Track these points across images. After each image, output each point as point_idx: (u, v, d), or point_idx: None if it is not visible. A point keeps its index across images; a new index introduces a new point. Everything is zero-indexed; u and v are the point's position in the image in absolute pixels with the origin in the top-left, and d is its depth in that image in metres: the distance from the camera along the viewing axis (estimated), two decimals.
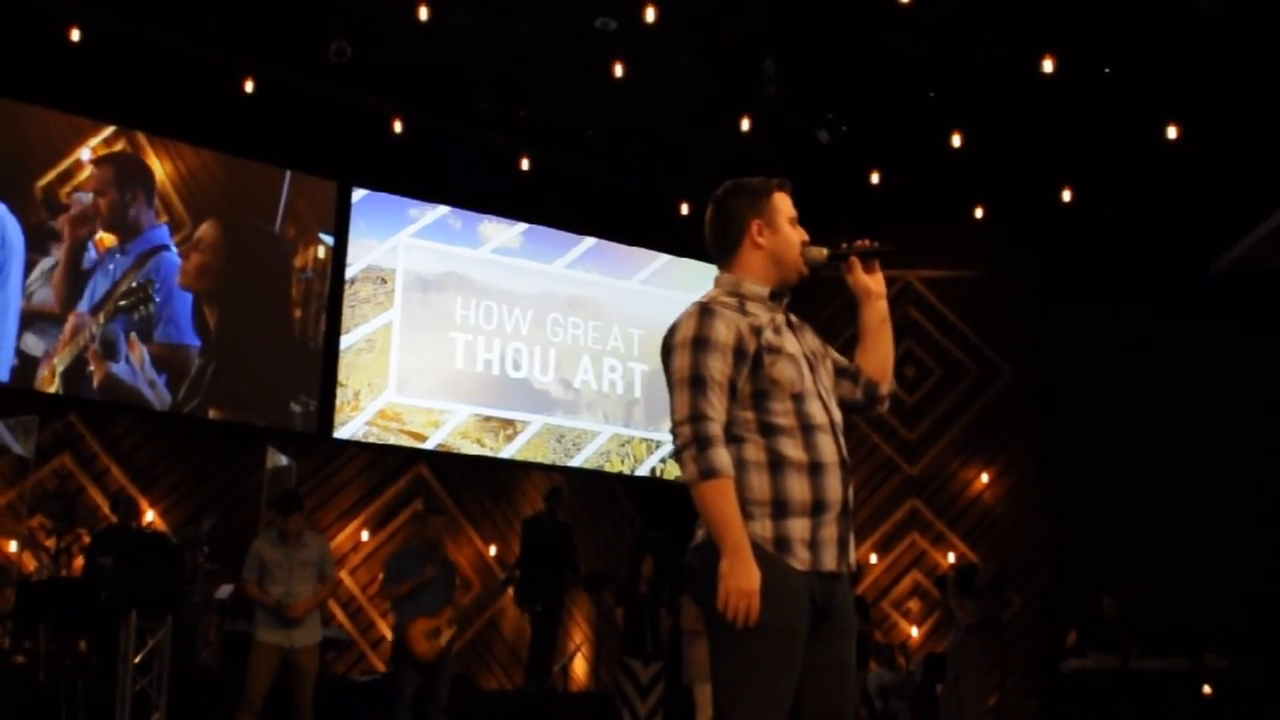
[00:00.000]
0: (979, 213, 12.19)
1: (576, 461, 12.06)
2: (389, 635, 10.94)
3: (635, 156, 11.88)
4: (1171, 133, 10.34)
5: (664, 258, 12.79)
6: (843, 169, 11.51)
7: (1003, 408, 12.79)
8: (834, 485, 2.96)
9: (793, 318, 3.15)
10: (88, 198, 10.23)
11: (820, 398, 3.02)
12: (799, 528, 2.92)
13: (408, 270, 11.60)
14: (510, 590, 10.49)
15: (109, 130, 10.41)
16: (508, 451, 11.78)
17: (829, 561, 2.95)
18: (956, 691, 9.71)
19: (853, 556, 3.05)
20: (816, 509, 2.93)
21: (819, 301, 12.86)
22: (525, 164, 11.57)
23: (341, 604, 10.75)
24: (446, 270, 11.84)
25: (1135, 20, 9.42)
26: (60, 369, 9.90)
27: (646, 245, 12.71)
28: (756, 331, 2.97)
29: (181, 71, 10.25)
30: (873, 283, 3.19)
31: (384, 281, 11.45)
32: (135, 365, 10.19)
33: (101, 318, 10.11)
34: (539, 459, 11.92)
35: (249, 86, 10.28)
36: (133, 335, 10.20)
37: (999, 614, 10.24)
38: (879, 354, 3.21)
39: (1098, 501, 11.95)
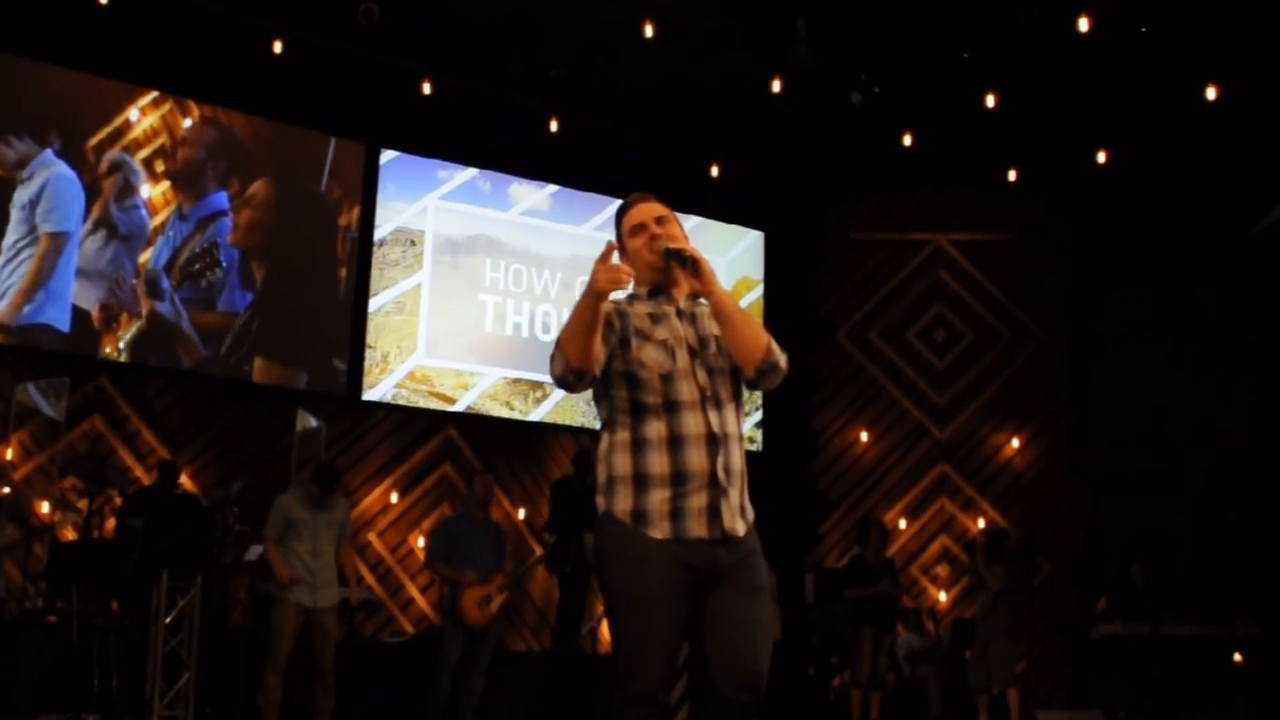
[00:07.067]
0: (1012, 175, 12.05)
1: None
2: (418, 597, 11.00)
3: (666, 118, 11.79)
4: (1211, 93, 10.19)
5: (694, 220, 12.66)
6: (875, 130, 11.40)
7: (1034, 372, 12.69)
8: (696, 457, 3.25)
9: (685, 306, 3.48)
10: (139, 159, 10.28)
11: (696, 378, 3.32)
12: (658, 499, 3.24)
13: (437, 233, 11.58)
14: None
15: (149, 96, 10.41)
16: (537, 414, 11.79)
17: (695, 529, 3.24)
18: (985, 657, 9.70)
19: (737, 522, 3.29)
20: (676, 480, 3.25)
21: (851, 263, 12.87)
22: (554, 125, 11.50)
23: (370, 566, 10.78)
24: (476, 233, 11.81)
25: None
26: (126, 337, 10.03)
27: (677, 208, 12.45)
28: (621, 315, 3.37)
29: (209, 34, 10.19)
30: (696, 283, 3.39)
31: (413, 244, 11.44)
32: (178, 304, 10.26)
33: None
34: (568, 422, 11.92)
35: (278, 48, 10.24)
36: (175, 272, 10.30)
37: (1028, 580, 10.21)
38: (728, 341, 3.39)
39: (1129, 467, 11.87)
